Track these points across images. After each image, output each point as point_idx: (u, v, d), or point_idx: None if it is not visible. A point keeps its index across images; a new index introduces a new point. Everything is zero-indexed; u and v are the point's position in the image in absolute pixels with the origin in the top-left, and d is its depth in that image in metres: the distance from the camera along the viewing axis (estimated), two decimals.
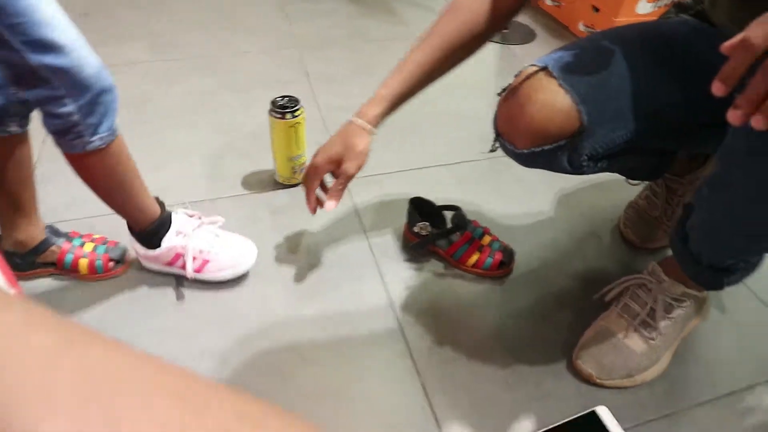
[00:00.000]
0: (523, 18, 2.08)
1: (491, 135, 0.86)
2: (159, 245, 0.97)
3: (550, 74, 0.76)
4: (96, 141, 0.77)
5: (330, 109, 1.50)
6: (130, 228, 0.97)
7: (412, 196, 1.12)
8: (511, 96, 0.79)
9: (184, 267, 0.98)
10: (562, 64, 0.77)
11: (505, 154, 0.86)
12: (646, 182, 1.16)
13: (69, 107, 0.71)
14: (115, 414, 0.13)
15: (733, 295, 1.05)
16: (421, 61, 0.82)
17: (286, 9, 2.04)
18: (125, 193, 0.89)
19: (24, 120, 0.86)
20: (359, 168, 0.86)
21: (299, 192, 1.23)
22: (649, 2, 1.77)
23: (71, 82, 0.70)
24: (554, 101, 0.75)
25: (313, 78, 1.66)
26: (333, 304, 1.00)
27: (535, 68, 0.78)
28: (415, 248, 1.10)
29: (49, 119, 0.73)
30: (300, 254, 1.09)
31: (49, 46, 0.66)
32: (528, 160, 0.82)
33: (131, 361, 0.15)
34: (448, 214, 1.10)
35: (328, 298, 1.01)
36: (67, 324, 0.14)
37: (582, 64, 0.78)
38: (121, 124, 0.82)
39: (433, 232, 1.08)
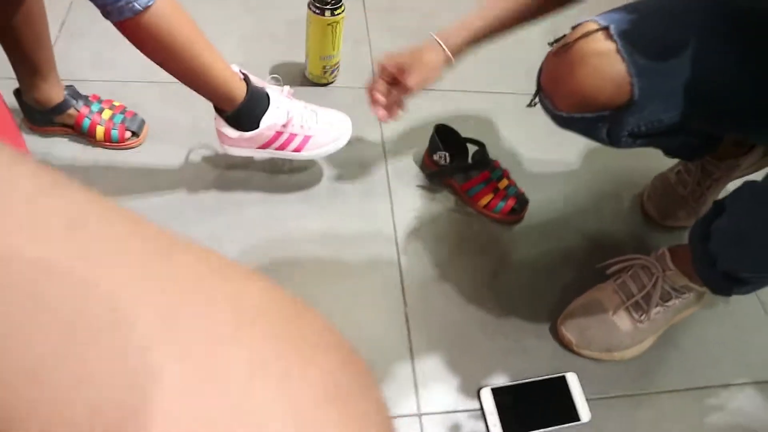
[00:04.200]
0: None
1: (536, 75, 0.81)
2: (257, 126, 0.87)
3: (611, 37, 0.69)
4: None
5: (376, 10, 1.40)
6: (219, 111, 0.87)
7: (439, 122, 1.08)
8: (563, 52, 0.73)
9: (282, 147, 0.92)
10: (625, 28, 0.70)
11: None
12: None
13: None
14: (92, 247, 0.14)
15: None
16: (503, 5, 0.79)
17: None
18: (198, 62, 0.78)
19: None
20: (421, 83, 0.81)
21: (325, 93, 1.20)
22: None
23: None
24: (609, 68, 0.69)
25: None
26: (338, 220, 1.01)
27: (595, 26, 0.71)
28: (430, 177, 1.08)
29: None
30: (315, 162, 1.08)
31: None
32: (565, 123, 0.77)
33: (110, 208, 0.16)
34: (472, 148, 1.07)
35: (335, 213, 1.01)
36: (49, 170, 0.15)
37: (646, 30, 0.71)
38: None
39: (453, 164, 1.05)
